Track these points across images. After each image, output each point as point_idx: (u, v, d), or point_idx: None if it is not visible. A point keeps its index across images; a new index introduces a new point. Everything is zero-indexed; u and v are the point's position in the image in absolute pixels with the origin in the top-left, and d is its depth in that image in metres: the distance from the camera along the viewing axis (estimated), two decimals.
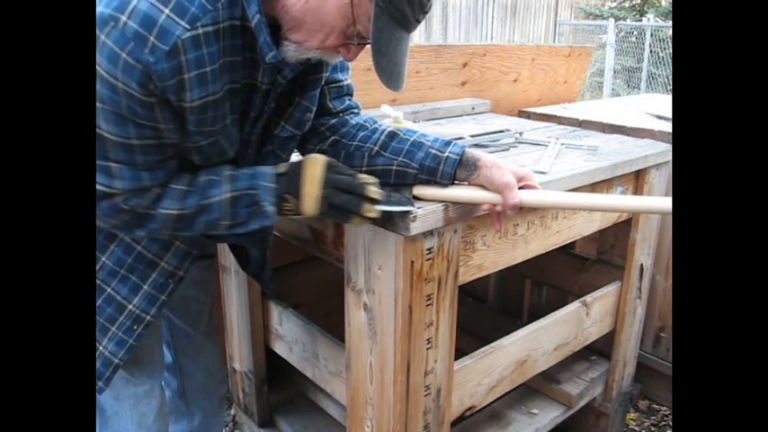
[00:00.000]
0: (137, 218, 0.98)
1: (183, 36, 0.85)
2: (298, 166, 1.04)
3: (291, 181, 1.02)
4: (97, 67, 0.84)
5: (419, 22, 0.94)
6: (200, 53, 0.88)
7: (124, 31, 0.82)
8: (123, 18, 0.82)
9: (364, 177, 1.04)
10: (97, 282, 1.11)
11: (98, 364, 1.14)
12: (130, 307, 1.13)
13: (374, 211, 1.03)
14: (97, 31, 0.82)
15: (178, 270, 1.16)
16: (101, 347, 1.13)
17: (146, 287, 1.14)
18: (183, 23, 0.85)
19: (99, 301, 1.12)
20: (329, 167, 1.03)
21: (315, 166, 1.03)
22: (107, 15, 0.82)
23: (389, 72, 0.94)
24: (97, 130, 0.89)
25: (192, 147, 0.99)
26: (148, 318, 1.15)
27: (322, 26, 0.92)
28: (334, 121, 1.20)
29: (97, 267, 1.10)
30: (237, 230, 1.04)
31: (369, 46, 0.94)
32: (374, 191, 1.04)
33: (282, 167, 1.05)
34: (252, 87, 1.01)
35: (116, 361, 1.14)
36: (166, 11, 0.84)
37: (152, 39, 0.84)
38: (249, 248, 1.31)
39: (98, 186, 0.93)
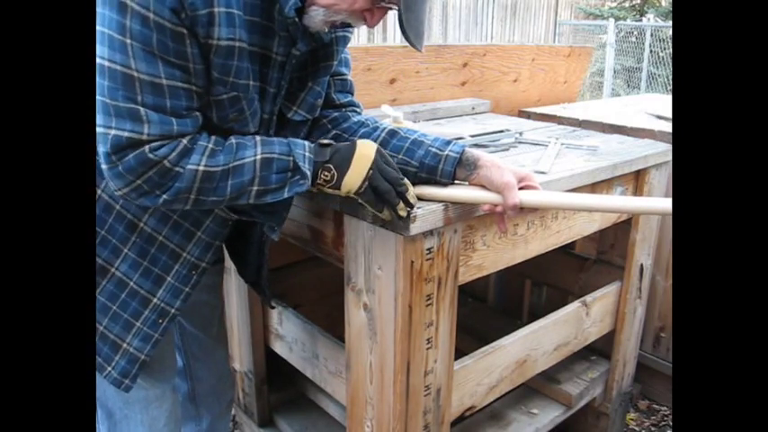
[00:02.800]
0: (162, 175, 0.93)
1: None
2: (349, 142, 1.06)
3: (339, 153, 1.03)
4: (128, 2, 0.84)
5: None
6: None
7: None
8: None
9: (406, 180, 1.06)
10: (119, 275, 1.10)
11: (123, 362, 1.13)
12: (155, 300, 1.12)
13: (405, 210, 1.04)
14: None
15: (201, 261, 1.15)
16: (125, 344, 1.12)
17: (169, 279, 1.13)
18: None
19: (123, 296, 1.10)
20: (381, 154, 1.05)
21: (369, 147, 1.04)
22: None
23: (416, 30, 0.97)
24: (125, 68, 0.87)
25: (213, 99, 0.98)
26: (173, 311, 1.14)
27: None
28: (336, 114, 1.22)
29: (119, 260, 1.09)
30: (266, 199, 1.01)
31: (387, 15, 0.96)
32: (412, 194, 1.06)
33: (326, 140, 1.06)
34: (266, 58, 1.02)
35: (142, 357, 1.14)
36: None
37: None
38: (247, 250, 1.31)
39: (126, 133, 0.89)
